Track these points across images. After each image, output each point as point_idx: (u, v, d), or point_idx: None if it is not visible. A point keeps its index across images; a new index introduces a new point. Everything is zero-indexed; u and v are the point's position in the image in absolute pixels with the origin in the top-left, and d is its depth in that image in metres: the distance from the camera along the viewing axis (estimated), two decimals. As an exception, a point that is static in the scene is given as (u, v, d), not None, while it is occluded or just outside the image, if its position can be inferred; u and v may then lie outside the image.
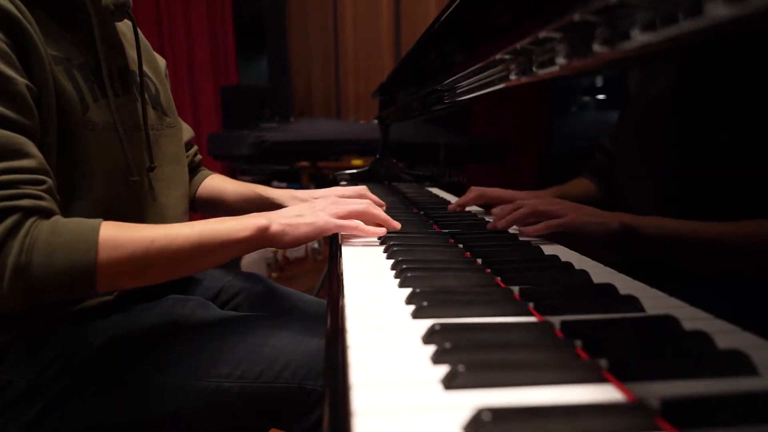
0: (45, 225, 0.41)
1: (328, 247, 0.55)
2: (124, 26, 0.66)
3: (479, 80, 0.65)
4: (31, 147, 0.44)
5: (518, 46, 0.48)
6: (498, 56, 0.54)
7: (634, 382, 0.22)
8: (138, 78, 0.64)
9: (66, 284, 0.41)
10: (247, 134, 1.69)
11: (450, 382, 0.23)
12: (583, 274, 0.39)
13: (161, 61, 0.77)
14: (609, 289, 0.35)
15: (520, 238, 0.53)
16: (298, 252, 2.66)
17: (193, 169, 0.82)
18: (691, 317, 0.29)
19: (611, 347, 0.26)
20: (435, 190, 1.02)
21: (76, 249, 0.41)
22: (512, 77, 0.53)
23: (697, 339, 0.26)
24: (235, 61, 4.01)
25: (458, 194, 0.86)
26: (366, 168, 1.25)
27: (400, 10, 3.19)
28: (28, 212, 0.41)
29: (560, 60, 0.43)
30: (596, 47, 0.36)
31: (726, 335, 0.26)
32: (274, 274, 2.53)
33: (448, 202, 0.82)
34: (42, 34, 0.49)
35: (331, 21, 3.60)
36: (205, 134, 3.75)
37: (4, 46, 0.43)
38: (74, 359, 0.50)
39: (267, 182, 3.52)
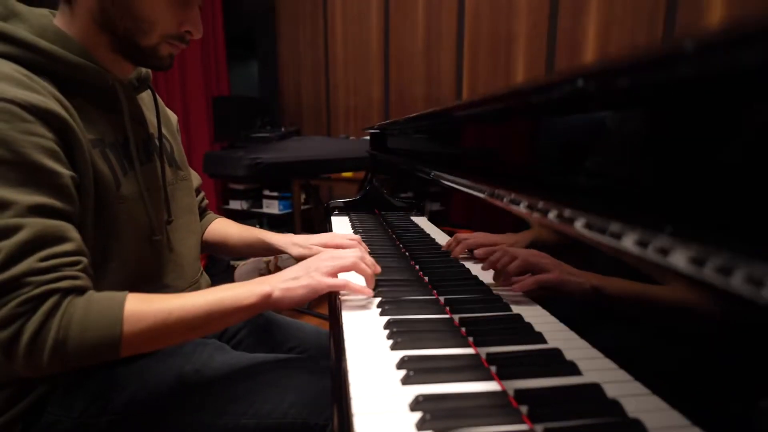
0: (79, 303, 0.49)
1: (328, 301, 0.64)
2: (144, 93, 0.74)
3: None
4: (71, 231, 0.51)
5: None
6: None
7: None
8: (157, 141, 0.72)
9: (95, 355, 0.49)
10: (243, 156, 1.76)
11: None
12: (540, 336, 0.48)
13: (173, 117, 0.85)
14: (556, 354, 0.44)
15: (495, 291, 0.61)
16: (290, 263, 2.75)
17: (200, 214, 0.90)
18: (619, 380, 0.38)
19: (549, 414, 0.36)
20: (420, 221, 1.11)
21: (105, 325, 0.48)
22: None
23: (613, 406, 0.36)
24: (227, 71, 4.07)
25: (439, 224, 0.96)
26: (358, 198, 1.34)
27: (389, 25, 3.28)
28: (66, 292, 0.48)
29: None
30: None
31: (642, 400, 0.35)
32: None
33: (433, 239, 0.91)
34: (81, 120, 0.57)
35: (321, 35, 3.67)
36: (195, 142, 3.82)
37: (53, 145, 0.51)
38: (111, 401, 0.58)
39: (259, 190, 3.60)
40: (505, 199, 0.50)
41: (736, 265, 0.22)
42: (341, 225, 1.17)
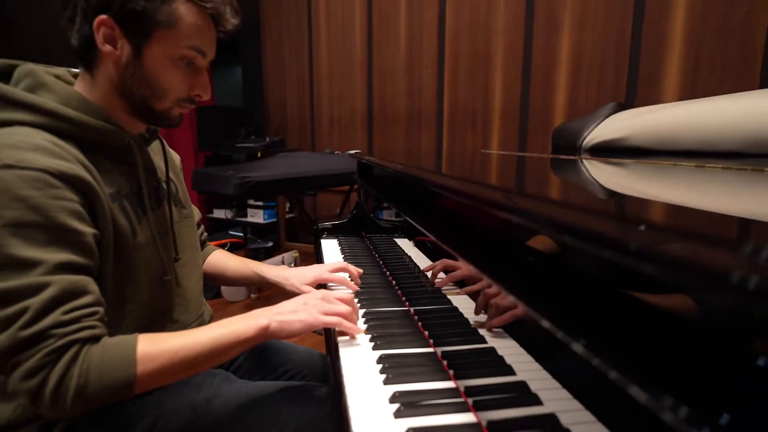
0: (96, 350, 0.55)
1: (325, 339, 0.71)
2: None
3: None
4: (91, 284, 0.57)
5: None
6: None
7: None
8: (165, 185, 0.78)
9: (113, 395, 0.55)
10: (232, 175, 1.82)
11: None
12: (510, 368, 0.57)
13: (177, 158, 0.91)
14: (523, 387, 0.53)
15: (473, 324, 0.70)
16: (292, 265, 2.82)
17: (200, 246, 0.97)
18: (573, 409, 0.47)
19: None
20: (403, 243, 1.19)
21: (120, 368, 0.55)
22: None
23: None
24: (211, 82, 4.07)
25: (422, 249, 1.04)
26: (345, 220, 1.41)
27: (372, 41, 3.36)
28: (84, 341, 0.54)
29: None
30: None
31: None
32: (253, 296, 2.68)
33: (417, 266, 0.99)
34: (100, 175, 0.63)
35: (306, 47, 3.73)
36: (179, 151, 3.83)
37: (78, 206, 0.57)
38: (132, 427, 0.64)
39: (244, 199, 3.63)
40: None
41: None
42: (331, 249, 1.25)
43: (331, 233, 1.39)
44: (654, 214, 0.44)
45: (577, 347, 0.33)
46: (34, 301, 0.51)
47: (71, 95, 0.63)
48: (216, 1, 0.65)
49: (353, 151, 3.40)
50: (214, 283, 0.97)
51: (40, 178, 0.53)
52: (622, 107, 1.76)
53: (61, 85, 0.63)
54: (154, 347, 0.57)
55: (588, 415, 0.45)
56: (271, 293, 2.74)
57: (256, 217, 3.64)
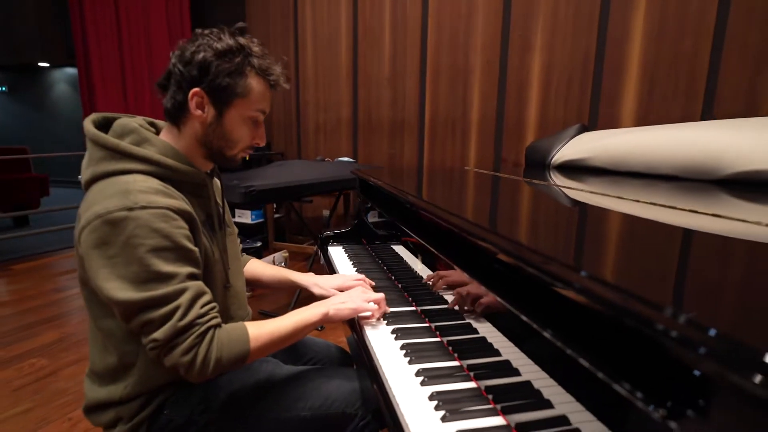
0: (222, 332, 0.75)
1: (350, 325, 0.92)
2: None
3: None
4: (205, 287, 0.77)
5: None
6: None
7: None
8: (221, 210, 0.97)
9: (235, 364, 0.76)
10: (237, 185, 1.99)
11: (444, 418, 0.61)
12: (497, 351, 0.79)
13: (218, 183, 1.09)
14: (506, 364, 0.75)
15: (466, 319, 0.92)
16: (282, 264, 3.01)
17: (238, 256, 1.15)
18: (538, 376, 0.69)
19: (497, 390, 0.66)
20: (400, 250, 1.40)
21: (241, 345, 0.76)
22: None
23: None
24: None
25: (418, 252, 1.24)
26: (348, 229, 1.61)
27: (357, 51, 3.54)
28: (215, 327, 0.75)
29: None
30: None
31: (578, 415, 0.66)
32: (247, 293, 2.85)
33: (415, 272, 1.20)
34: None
35: (292, 54, 3.87)
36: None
37: (188, 232, 0.76)
38: (210, 404, 0.83)
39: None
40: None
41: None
42: (339, 256, 1.45)
43: (336, 241, 1.59)
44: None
45: (524, 319, 0.55)
46: (182, 301, 0.71)
47: (166, 147, 0.81)
48: (277, 74, 0.84)
49: (345, 159, 3.60)
50: (252, 287, 1.16)
51: (165, 214, 0.72)
52: (585, 129, 2.02)
53: (157, 139, 0.81)
54: (259, 330, 0.79)
55: (551, 381, 0.67)
56: (264, 292, 2.92)
57: (244, 217, 3.78)
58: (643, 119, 2.59)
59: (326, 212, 3.81)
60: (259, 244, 3.70)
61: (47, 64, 7.31)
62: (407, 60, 3.33)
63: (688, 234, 0.74)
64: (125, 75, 3.74)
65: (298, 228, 4.10)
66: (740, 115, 2.36)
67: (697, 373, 0.33)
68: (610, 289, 0.44)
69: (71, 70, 7.80)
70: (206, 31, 0.81)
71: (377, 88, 3.49)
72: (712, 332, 0.31)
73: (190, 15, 4.12)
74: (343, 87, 3.65)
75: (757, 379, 0.27)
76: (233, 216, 3.77)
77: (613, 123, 2.67)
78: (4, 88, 8.36)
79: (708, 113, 2.44)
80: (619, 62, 2.62)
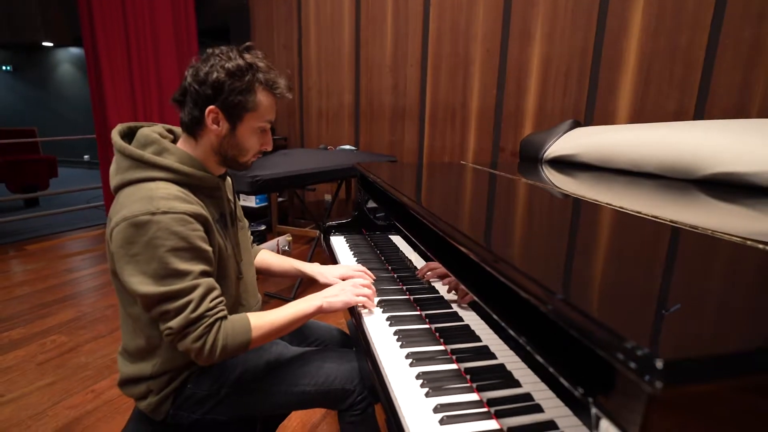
0: (227, 323, 0.86)
1: (350, 311, 1.03)
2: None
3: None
4: (215, 283, 0.88)
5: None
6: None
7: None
8: (233, 206, 1.07)
9: (239, 351, 0.87)
10: (244, 174, 2.09)
11: (428, 394, 0.73)
12: (478, 337, 0.90)
13: (229, 182, 1.19)
14: (484, 348, 0.86)
15: (454, 308, 1.03)
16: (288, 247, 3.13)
17: (249, 247, 1.26)
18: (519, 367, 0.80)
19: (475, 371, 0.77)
20: (397, 240, 1.50)
21: (244, 335, 0.86)
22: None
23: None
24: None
25: (411, 245, 1.35)
26: (349, 219, 1.72)
27: (359, 38, 3.58)
28: (222, 319, 0.85)
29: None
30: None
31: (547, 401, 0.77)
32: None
33: (410, 261, 1.31)
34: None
35: (295, 40, 3.91)
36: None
37: (203, 234, 0.86)
38: (227, 379, 0.95)
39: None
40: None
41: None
42: (340, 245, 1.56)
43: (338, 231, 1.70)
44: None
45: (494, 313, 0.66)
46: (194, 296, 0.81)
47: (183, 155, 0.91)
48: (282, 87, 0.94)
49: (347, 147, 3.68)
50: (262, 276, 1.27)
51: (183, 218, 0.82)
52: (578, 124, 2.10)
53: (175, 148, 0.91)
54: (260, 321, 0.89)
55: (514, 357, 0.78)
56: (264, 278, 3.04)
57: (249, 201, 3.89)
58: (639, 112, 2.66)
59: (328, 197, 3.92)
60: (263, 227, 3.82)
61: (51, 44, 7.33)
62: (409, 48, 3.38)
63: (639, 249, 0.84)
64: (131, 54, 3.79)
65: (300, 212, 4.21)
66: (733, 109, 2.43)
67: (599, 360, 0.43)
68: (566, 306, 0.55)
69: (76, 50, 7.82)
70: (217, 51, 0.90)
71: (379, 75, 3.55)
72: (606, 328, 0.42)
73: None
74: (345, 73, 3.71)
75: (632, 365, 0.37)
76: (238, 198, 3.90)
77: (609, 115, 2.74)
78: (8, 68, 8.39)
79: (702, 107, 2.51)
80: (616, 55, 2.67)
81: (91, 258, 3.40)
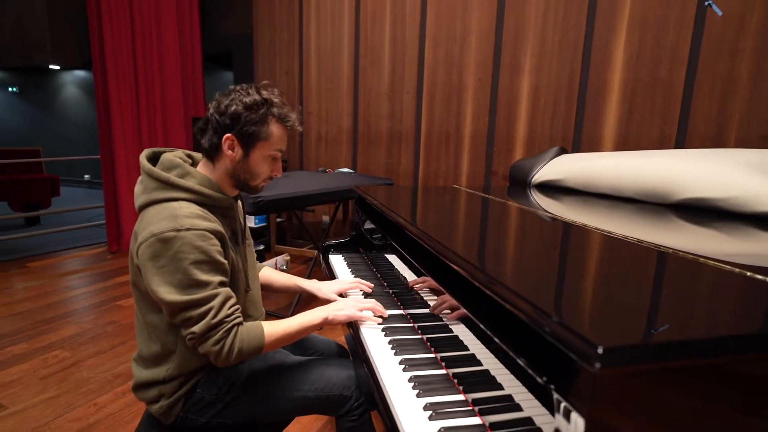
0: (243, 329, 0.94)
1: (348, 326, 1.12)
2: None
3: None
4: (231, 292, 0.96)
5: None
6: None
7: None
8: (242, 222, 1.16)
9: (253, 355, 0.95)
10: (246, 195, 2.19)
11: (418, 395, 0.81)
12: (466, 346, 0.98)
13: (240, 204, 1.28)
14: (473, 357, 0.94)
15: (445, 321, 1.11)
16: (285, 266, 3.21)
17: (252, 263, 1.35)
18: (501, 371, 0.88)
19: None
20: (392, 259, 1.59)
21: (258, 340, 0.95)
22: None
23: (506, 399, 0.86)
24: (203, 92, 4.38)
25: (405, 263, 1.44)
26: (348, 239, 1.81)
27: (358, 66, 3.74)
28: (238, 325, 0.94)
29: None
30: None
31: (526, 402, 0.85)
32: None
33: (404, 278, 1.40)
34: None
35: (296, 65, 4.07)
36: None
37: (220, 248, 0.95)
38: (234, 384, 1.03)
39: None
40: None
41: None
42: (339, 263, 1.64)
43: (336, 250, 1.79)
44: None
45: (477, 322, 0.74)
46: (214, 303, 0.90)
47: (203, 179, 1.00)
48: (293, 120, 1.04)
49: (344, 170, 3.80)
50: (264, 291, 1.36)
51: (203, 234, 0.92)
52: (564, 151, 2.23)
53: (196, 172, 1.01)
54: (272, 328, 0.98)
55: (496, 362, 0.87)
56: (265, 294, 3.11)
57: (248, 221, 3.98)
58: (624, 138, 2.80)
59: (326, 218, 4.01)
60: (261, 247, 3.90)
61: (57, 67, 7.51)
62: (405, 76, 3.53)
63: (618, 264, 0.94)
64: (138, 79, 3.93)
65: (298, 233, 4.30)
66: (711, 137, 2.57)
67: (559, 355, 0.53)
68: (538, 312, 0.64)
69: (81, 73, 8.00)
70: (238, 87, 1.01)
71: (376, 101, 3.70)
72: (564, 326, 0.51)
73: (200, 26, 4.33)
74: (344, 99, 3.85)
75: (580, 352, 0.47)
76: (238, 219, 3.98)
77: (595, 141, 2.87)
78: (15, 89, 8.56)
79: (683, 135, 2.65)
80: (601, 86, 2.83)
81: (92, 276, 3.46)
